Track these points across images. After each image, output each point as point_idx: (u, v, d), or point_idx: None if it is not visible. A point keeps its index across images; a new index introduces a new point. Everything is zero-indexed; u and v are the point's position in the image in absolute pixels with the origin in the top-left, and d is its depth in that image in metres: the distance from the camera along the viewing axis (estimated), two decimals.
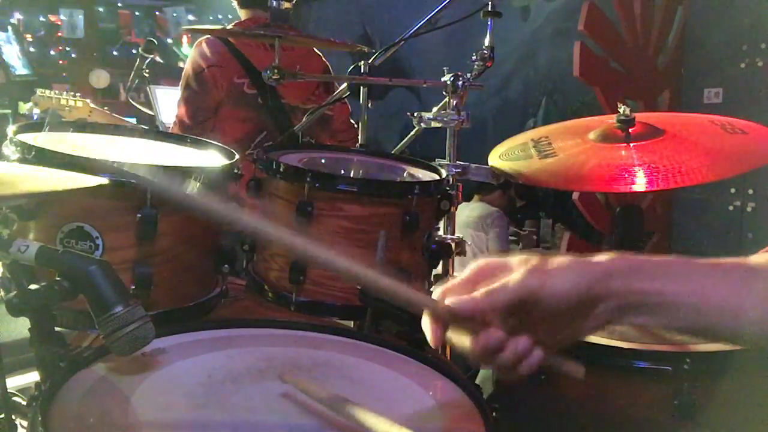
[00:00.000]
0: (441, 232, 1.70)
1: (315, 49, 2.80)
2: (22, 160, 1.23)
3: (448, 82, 1.74)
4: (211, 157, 1.54)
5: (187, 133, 2.32)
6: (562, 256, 0.79)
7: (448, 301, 0.79)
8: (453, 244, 1.67)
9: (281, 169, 1.48)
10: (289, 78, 1.80)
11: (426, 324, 0.81)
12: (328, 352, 1.17)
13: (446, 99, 1.76)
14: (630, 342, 1.22)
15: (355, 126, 2.76)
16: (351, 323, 1.56)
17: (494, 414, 0.98)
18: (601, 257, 0.79)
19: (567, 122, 1.85)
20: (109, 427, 0.87)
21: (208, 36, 2.67)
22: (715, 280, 0.78)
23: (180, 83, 2.68)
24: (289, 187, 1.48)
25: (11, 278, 1.03)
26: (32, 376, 1.11)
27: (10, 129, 1.32)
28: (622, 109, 1.59)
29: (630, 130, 1.58)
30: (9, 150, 1.26)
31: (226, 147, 1.56)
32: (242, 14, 2.78)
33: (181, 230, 1.32)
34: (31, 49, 7.46)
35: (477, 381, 1.56)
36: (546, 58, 5.55)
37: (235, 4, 2.78)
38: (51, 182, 1.05)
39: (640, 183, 1.46)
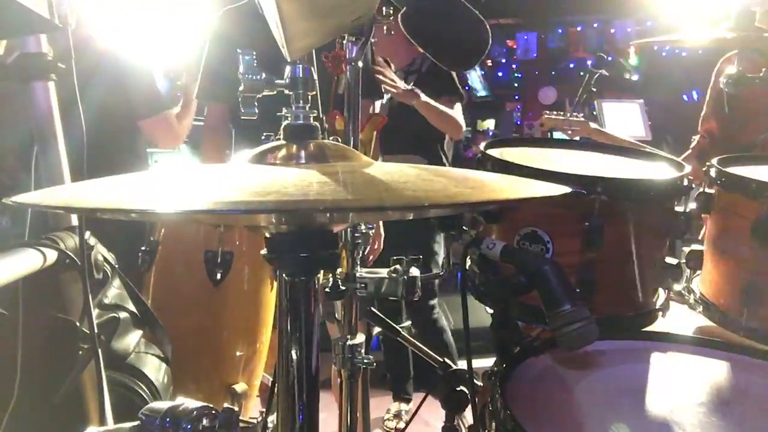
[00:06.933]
0: None
1: None
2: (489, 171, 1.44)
3: None
4: (661, 170, 1.53)
5: None
6: None
7: None
8: None
9: (735, 184, 1.39)
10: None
11: None
12: None
13: None
14: None
15: None
16: None
17: None
18: None
19: None
20: (555, 409, 0.96)
21: None
22: None
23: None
24: (747, 203, 1.36)
25: (479, 270, 1.22)
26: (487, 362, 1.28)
27: (481, 144, 1.56)
28: None
29: None
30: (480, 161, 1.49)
31: (676, 159, 1.53)
32: None
33: (627, 242, 1.36)
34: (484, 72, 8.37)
35: None
36: None
37: None
38: (515, 190, 1.20)
39: None
